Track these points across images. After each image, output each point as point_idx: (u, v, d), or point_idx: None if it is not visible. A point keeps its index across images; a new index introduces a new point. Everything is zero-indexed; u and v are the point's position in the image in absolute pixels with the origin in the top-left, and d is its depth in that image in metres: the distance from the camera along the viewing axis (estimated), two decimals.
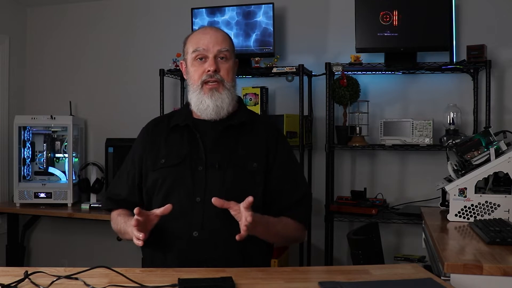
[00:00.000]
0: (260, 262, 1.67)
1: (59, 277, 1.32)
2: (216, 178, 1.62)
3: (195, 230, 1.58)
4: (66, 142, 3.76)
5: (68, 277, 1.33)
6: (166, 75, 3.55)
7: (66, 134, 3.73)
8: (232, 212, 1.50)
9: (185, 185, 1.62)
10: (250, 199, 1.44)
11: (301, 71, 3.22)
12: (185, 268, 1.48)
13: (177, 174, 1.64)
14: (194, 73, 1.68)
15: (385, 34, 3.15)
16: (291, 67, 3.25)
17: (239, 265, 1.54)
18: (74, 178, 3.73)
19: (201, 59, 1.66)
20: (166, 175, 1.65)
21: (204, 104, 1.65)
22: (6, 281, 1.28)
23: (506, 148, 2.24)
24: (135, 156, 1.76)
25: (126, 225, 1.63)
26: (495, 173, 2.23)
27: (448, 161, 2.40)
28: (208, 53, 1.65)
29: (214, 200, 1.48)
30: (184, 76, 1.76)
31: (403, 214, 3.08)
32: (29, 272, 1.32)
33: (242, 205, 1.45)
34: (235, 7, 3.46)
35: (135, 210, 1.45)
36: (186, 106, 1.76)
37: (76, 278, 1.33)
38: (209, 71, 1.64)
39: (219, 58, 1.66)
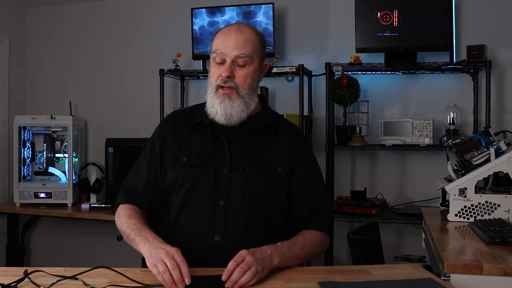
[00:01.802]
0: None
1: (63, 277, 1.32)
2: (239, 182, 1.55)
3: (217, 234, 1.53)
4: (66, 142, 3.76)
5: (70, 277, 1.33)
6: (166, 75, 3.55)
7: (66, 134, 3.73)
8: None
9: (208, 187, 1.56)
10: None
11: (301, 71, 3.22)
12: None
13: (200, 174, 1.57)
14: (212, 75, 1.62)
15: (385, 34, 3.15)
16: (291, 67, 3.25)
17: None
18: (74, 178, 3.73)
19: (219, 62, 1.59)
20: (187, 175, 1.58)
21: (214, 109, 1.59)
22: (6, 281, 1.28)
23: (506, 148, 2.24)
24: (156, 148, 1.66)
25: (139, 238, 1.47)
26: (495, 173, 2.23)
27: (448, 161, 2.40)
28: (226, 57, 1.56)
29: None
30: None
31: (403, 214, 3.08)
32: (28, 272, 1.32)
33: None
34: (235, 7, 3.46)
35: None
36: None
37: (76, 278, 1.33)
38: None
39: (236, 64, 1.57)
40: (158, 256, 1.34)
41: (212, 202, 1.55)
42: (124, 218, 1.58)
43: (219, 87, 1.58)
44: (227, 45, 1.57)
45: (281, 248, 1.47)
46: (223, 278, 1.31)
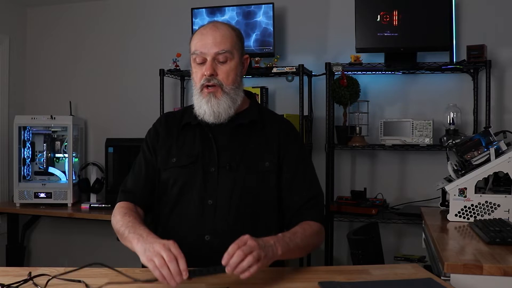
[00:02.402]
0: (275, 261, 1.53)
1: (57, 276, 1.32)
2: (227, 180, 1.56)
3: (207, 234, 1.53)
4: (66, 142, 3.76)
5: (68, 279, 1.33)
6: (166, 75, 3.55)
7: (66, 134, 3.73)
8: None
9: (197, 187, 1.56)
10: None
11: (301, 71, 3.22)
12: None
13: (189, 175, 1.58)
14: (195, 76, 1.63)
15: (385, 34, 3.15)
16: (291, 67, 3.25)
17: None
18: (74, 178, 3.73)
19: (200, 62, 1.60)
20: (177, 176, 1.60)
21: (201, 109, 1.60)
22: (6, 281, 1.28)
23: (506, 148, 2.24)
24: (150, 148, 1.69)
25: (133, 235, 1.40)
26: (495, 173, 2.22)
27: (448, 161, 2.40)
28: (206, 56, 1.57)
29: None
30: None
31: (403, 214, 3.08)
32: (32, 274, 1.31)
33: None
34: (235, 7, 3.46)
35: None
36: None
37: (73, 279, 1.33)
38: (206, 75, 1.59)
39: (218, 61, 1.58)
40: (153, 249, 1.26)
41: (201, 201, 1.56)
42: (119, 217, 1.54)
43: (203, 86, 1.60)
44: (205, 44, 1.58)
45: (283, 238, 1.45)
46: (223, 262, 1.23)
